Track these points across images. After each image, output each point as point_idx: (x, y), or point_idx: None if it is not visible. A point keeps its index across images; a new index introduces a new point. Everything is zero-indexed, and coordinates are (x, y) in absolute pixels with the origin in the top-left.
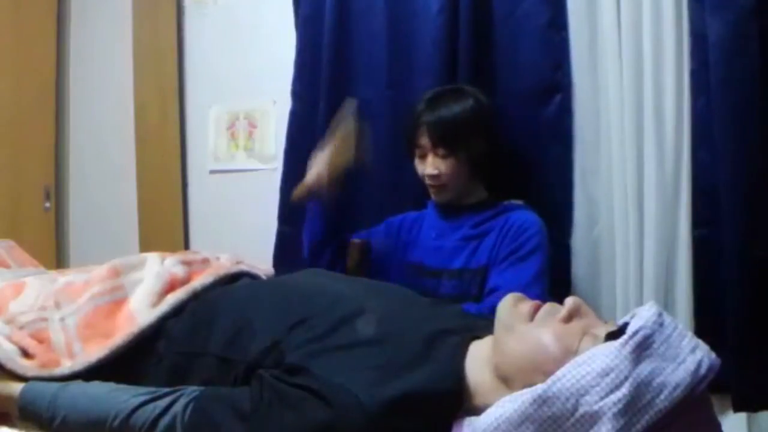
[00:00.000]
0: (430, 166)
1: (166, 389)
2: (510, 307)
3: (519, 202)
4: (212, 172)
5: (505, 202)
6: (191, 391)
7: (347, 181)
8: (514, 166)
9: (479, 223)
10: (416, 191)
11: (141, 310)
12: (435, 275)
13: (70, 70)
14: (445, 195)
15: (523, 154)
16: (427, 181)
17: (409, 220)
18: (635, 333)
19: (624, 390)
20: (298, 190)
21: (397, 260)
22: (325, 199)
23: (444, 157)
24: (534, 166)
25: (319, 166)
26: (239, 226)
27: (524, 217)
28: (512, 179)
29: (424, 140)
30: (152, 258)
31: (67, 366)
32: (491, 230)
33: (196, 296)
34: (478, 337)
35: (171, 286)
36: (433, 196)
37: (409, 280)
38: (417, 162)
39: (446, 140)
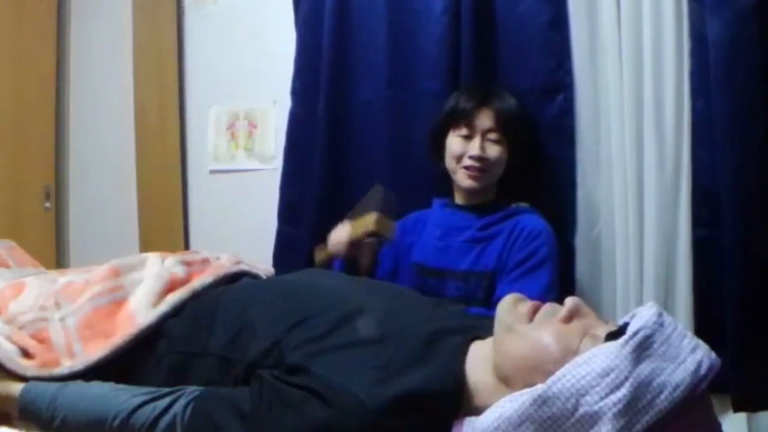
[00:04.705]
0: (476, 148)
1: (166, 389)
2: (510, 308)
3: (525, 205)
4: (212, 172)
5: (513, 205)
6: (191, 391)
7: (369, 252)
8: (525, 166)
9: (487, 225)
10: (418, 191)
11: (141, 310)
12: (438, 275)
13: (70, 70)
14: (480, 181)
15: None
16: (466, 163)
17: (411, 220)
18: (635, 333)
19: (624, 390)
20: (321, 256)
21: (403, 261)
22: (345, 260)
23: (495, 142)
24: (537, 166)
25: (340, 235)
26: (239, 226)
27: (534, 223)
28: (522, 179)
29: (483, 121)
30: (152, 258)
31: (67, 366)
32: (499, 233)
33: (196, 296)
34: (479, 337)
35: (171, 286)
36: (465, 181)
37: (412, 280)
38: (455, 142)
39: (508, 126)
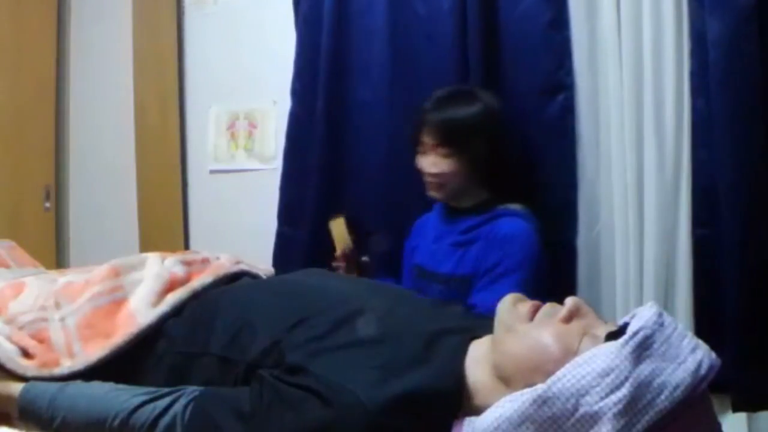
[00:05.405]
0: (430, 164)
1: (166, 389)
2: (510, 307)
3: (516, 207)
4: (212, 172)
5: (500, 207)
6: (191, 391)
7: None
8: (519, 167)
9: (468, 229)
10: (418, 191)
11: (141, 310)
12: (428, 278)
13: (70, 70)
14: (441, 193)
15: (528, 153)
16: (427, 178)
17: (420, 223)
18: (635, 333)
19: (624, 390)
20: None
21: (408, 264)
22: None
23: (445, 156)
24: (539, 165)
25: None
26: (239, 226)
27: (509, 227)
28: (517, 179)
29: (428, 138)
30: (152, 258)
31: (66, 366)
32: (478, 238)
33: (195, 296)
34: (478, 337)
35: (171, 286)
36: (430, 192)
37: (412, 282)
38: (419, 158)
39: (448, 141)
